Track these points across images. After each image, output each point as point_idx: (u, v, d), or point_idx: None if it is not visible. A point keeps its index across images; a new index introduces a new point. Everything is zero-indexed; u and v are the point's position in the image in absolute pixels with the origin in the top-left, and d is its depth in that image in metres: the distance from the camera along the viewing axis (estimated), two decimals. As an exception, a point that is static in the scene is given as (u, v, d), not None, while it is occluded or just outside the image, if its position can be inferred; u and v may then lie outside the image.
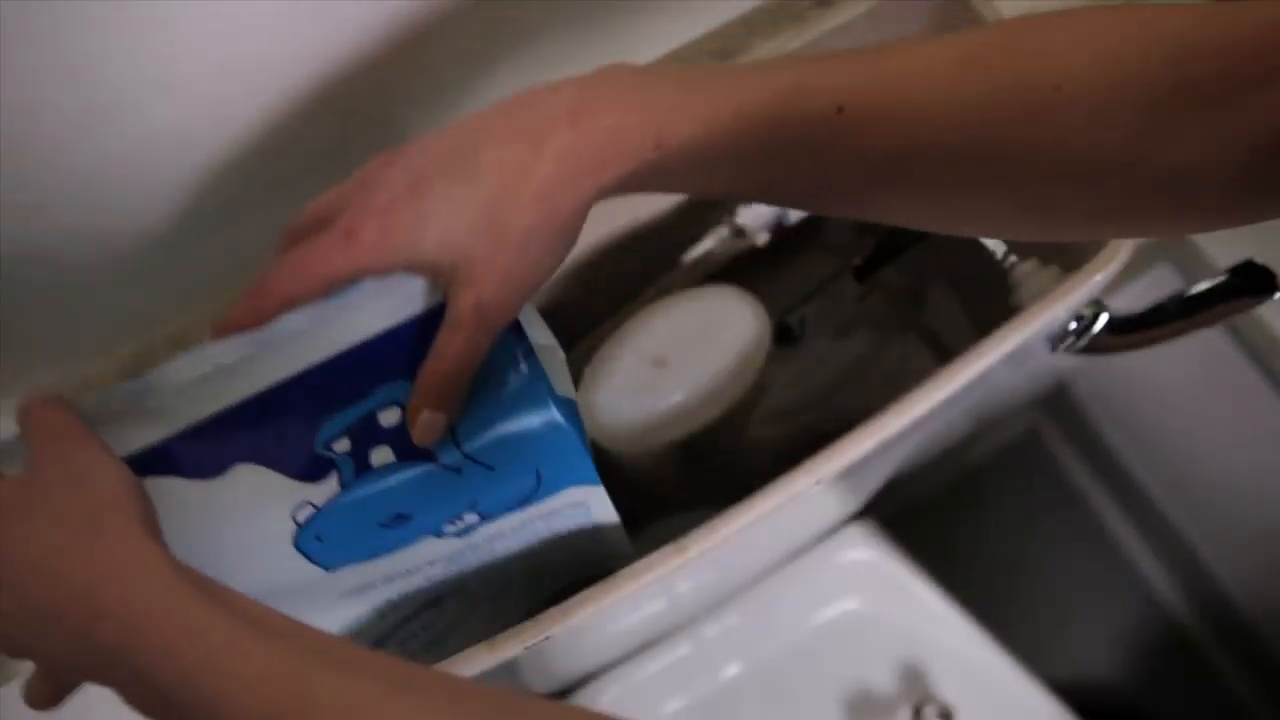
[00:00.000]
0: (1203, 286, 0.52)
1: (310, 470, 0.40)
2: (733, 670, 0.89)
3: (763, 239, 0.60)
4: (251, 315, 0.37)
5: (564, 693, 0.87)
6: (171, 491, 0.40)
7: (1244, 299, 0.52)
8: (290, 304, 0.37)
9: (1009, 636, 0.93)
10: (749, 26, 0.61)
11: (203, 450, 0.40)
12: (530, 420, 0.41)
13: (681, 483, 0.65)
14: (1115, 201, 0.36)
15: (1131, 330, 0.55)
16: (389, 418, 0.40)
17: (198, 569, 0.35)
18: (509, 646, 0.46)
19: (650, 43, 0.60)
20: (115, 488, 0.37)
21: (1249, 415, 1.02)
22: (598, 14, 0.55)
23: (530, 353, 0.40)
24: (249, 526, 0.41)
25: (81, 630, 0.34)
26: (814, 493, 0.49)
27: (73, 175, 0.46)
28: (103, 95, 0.43)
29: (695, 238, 0.60)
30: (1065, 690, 0.92)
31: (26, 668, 0.38)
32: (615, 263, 0.64)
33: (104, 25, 0.40)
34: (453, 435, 0.40)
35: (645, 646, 0.88)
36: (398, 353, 0.39)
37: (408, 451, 0.40)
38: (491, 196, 0.35)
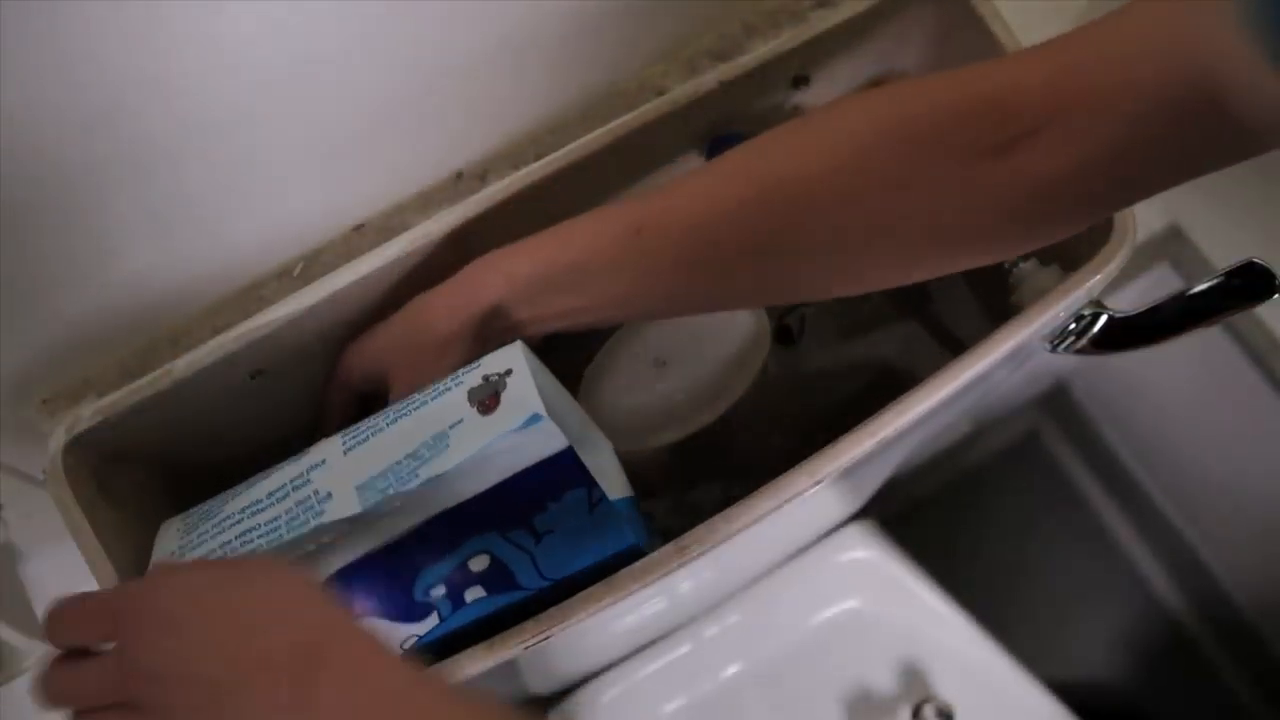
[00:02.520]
0: (1203, 286, 0.52)
1: (412, 614, 0.47)
2: (733, 670, 0.89)
3: (763, 239, 0.60)
4: None
5: (564, 693, 0.87)
6: None
7: (1244, 299, 0.52)
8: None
9: (1009, 636, 0.93)
10: (749, 26, 0.61)
11: None
12: (613, 548, 0.47)
13: (681, 482, 0.65)
14: (886, 260, 0.44)
15: (1131, 330, 0.55)
16: (478, 564, 0.46)
17: None
18: (509, 646, 0.46)
19: (653, 43, 0.60)
20: (304, 575, 0.40)
21: (1249, 415, 1.02)
22: (601, 15, 0.55)
23: (603, 498, 0.46)
24: None
25: (300, 680, 0.34)
26: (814, 493, 0.49)
27: (73, 173, 0.46)
28: (102, 97, 0.43)
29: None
30: (1065, 690, 0.92)
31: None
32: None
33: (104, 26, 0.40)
34: (536, 568, 0.47)
35: (645, 646, 0.88)
36: (480, 511, 0.45)
37: (496, 586, 0.47)
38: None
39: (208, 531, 0.47)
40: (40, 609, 0.62)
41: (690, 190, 0.47)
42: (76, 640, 0.37)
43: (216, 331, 0.53)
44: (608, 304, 0.49)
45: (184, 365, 0.51)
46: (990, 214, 0.42)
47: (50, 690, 0.36)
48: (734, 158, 0.47)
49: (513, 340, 0.48)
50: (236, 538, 0.45)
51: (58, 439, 0.50)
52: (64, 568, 0.52)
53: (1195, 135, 0.38)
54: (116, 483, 0.53)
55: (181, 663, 0.34)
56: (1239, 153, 0.38)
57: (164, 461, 0.56)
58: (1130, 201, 0.44)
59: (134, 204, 0.49)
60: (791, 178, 0.44)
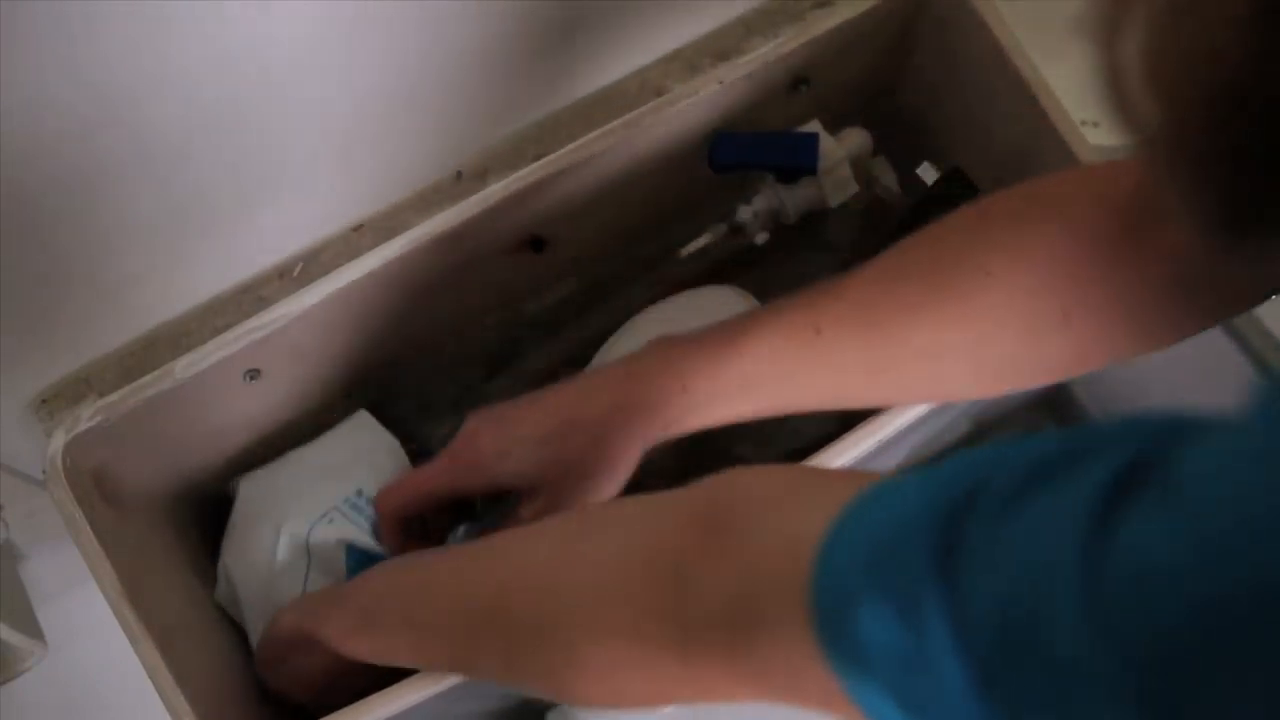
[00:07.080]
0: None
1: None
2: (733, 670, 0.89)
3: (761, 238, 0.60)
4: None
5: (564, 692, 0.86)
6: None
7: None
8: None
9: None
10: (749, 26, 0.61)
11: None
12: None
13: (679, 483, 0.65)
14: (1062, 350, 0.44)
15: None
16: None
17: None
18: (509, 646, 0.45)
19: (653, 43, 0.60)
20: None
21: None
22: (601, 15, 0.55)
23: None
24: None
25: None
26: (814, 492, 0.49)
27: (74, 173, 0.46)
28: (104, 99, 0.43)
29: (694, 234, 0.60)
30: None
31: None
32: (613, 257, 0.64)
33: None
34: None
35: (645, 646, 0.88)
36: None
37: None
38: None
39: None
40: (40, 609, 0.62)
41: (865, 287, 0.46)
42: None
43: (216, 331, 0.53)
44: (774, 408, 0.48)
45: (184, 365, 0.51)
46: (1141, 292, 0.42)
47: None
48: (902, 252, 0.46)
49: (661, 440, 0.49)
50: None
51: (58, 439, 0.50)
52: (64, 568, 0.52)
53: None
54: (116, 483, 0.53)
55: None
56: None
57: (164, 461, 0.56)
58: (1260, 296, 0.43)
59: (135, 204, 0.49)
60: (975, 271, 0.44)
